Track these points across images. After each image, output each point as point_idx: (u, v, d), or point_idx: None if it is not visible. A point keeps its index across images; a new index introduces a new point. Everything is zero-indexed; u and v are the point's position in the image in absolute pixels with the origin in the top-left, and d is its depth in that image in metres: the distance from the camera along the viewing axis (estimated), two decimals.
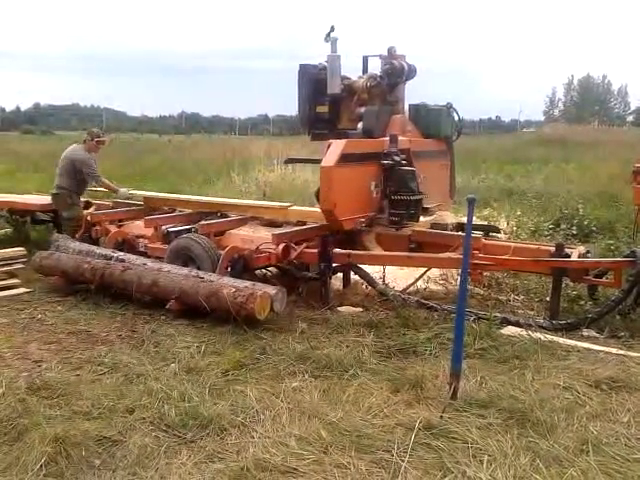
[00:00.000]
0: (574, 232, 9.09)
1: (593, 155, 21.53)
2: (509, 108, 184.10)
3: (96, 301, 6.20)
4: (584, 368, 4.43)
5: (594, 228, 9.27)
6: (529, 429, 3.56)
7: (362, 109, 6.73)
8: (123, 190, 8.04)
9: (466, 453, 3.30)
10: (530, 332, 5.13)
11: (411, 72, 6.77)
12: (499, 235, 6.90)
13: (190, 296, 5.57)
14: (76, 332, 5.40)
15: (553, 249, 5.78)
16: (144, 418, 3.73)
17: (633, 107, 75.94)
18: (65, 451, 3.30)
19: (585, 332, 5.34)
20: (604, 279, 5.85)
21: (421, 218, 6.56)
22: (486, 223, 8.66)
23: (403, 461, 3.23)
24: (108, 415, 3.76)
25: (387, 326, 5.36)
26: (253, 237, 6.50)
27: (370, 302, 6.16)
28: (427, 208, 6.59)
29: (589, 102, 72.65)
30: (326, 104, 6.77)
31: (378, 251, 6.40)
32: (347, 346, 4.91)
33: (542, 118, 73.01)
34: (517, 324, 5.37)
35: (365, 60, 6.94)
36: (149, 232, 7.30)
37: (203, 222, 6.93)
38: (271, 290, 5.46)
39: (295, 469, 3.17)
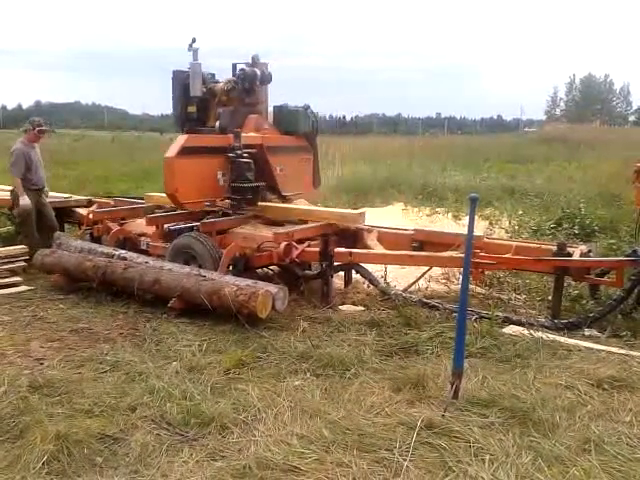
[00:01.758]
0: (576, 231, 9.08)
1: (595, 154, 21.52)
2: (511, 107, 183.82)
3: (98, 299, 6.21)
4: (586, 367, 4.42)
5: (596, 227, 9.25)
6: (531, 428, 3.56)
7: (221, 109, 7.54)
8: (25, 200, 7.48)
9: (468, 452, 3.30)
10: (532, 331, 5.14)
11: (265, 77, 7.67)
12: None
13: (192, 294, 5.57)
14: (78, 330, 5.40)
15: (555, 248, 5.79)
16: (146, 416, 3.73)
17: (635, 106, 75.88)
18: (67, 449, 3.30)
19: (587, 331, 5.34)
20: (606, 278, 5.85)
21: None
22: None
23: (405, 460, 3.23)
24: (110, 413, 3.76)
25: (389, 325, 5.37)
26: (255, 235, 6.50)
27: (372, 301, 6.15)
28: (285, 196, 7.53)
29: (591, 101, 72.54)
30: (194, 105, 7.60)
31: (379, 250, 6.41)
32: (349, 345, 4.92)
33: (544, 117, 72.92)
34: (519, 323, 5.37)
35: (234, 66, 7.74)
36: (151, 230, 7.31)
37: (205, 220, 6.93)
38: (273, 289, 5.46)
39: (297, 468, 3.17)
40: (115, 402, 3.89)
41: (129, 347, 4.95)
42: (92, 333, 5.33)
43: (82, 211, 8.11)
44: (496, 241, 6.62)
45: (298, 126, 7.68)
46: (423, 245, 6.52)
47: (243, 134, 7.18)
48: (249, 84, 7.51)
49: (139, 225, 7.58)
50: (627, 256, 5.56)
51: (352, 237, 6.75)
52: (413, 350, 4.83)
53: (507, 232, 9.66)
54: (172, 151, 6.65)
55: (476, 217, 3.96)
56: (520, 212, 10.96)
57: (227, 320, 5.43)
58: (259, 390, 4.08)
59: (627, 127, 52.65)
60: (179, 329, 5.34)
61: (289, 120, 7.70)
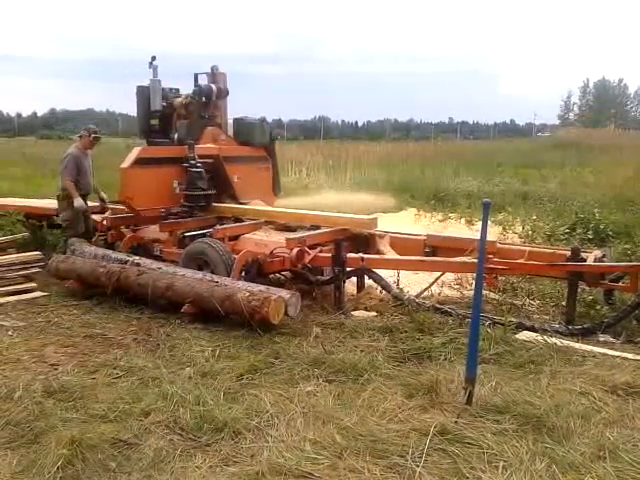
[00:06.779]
0: (590, 236, 9.03)
1: (609, 159, 21.38)
2: (524, 111, 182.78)
3: (111, 305, 6.25)
4: (600, 373, 4.39)
5: (610, 232, 9.20)
6: (545, 435, 3.54)
7: (179, 122, 8.06)
8: (78, 201, 7.67)
9: (481, 459, 3.28)
10: (546, 337, 5.10)
11: (221, 92, 8.22)
12: None
13: (205, 300, 5.59)
14: (92, 335, 5.44)
15: (569, 253, 5.75)
16: (159, 421, 3.75)
17: None
18: (81, 454, 3.32)
19: (601, 337, 5.30)
20: (620, 283, 5.80)
21: None
22: None
23: (418, 466, 3.22)
24: (124, 418, 3.78)
25: (401, 331, 5.35)
26: (267, 241, 6.52)
27: (384, 307, 6.14)
28: (243, 202, 8.05)
29: (605, 105, 72.03)
30: (156, 118, 8.13)
31: (392, 255, 6.40)
32: (361, 351, 4.91)
33: (557, 122, 72.41)
34: (532, 329, 5.34)
35: (196, 77, 8.25)
36: (164, 236, 7.35)
37: (218, 227, 6.97)
38: (285, 294, 5.47)
39: (310, 473, 3.17)
40: (129, 407, 3.91)
41: (143, 353, 4.98)
42: (106, 339, 5.37)
43: (96, 217, 8.17)
44: (509, 246, 6.59)
45: (254, 138, 8.33)
46: (436, 250, 6.51)
47: (201, 145, 7.74)
48: (206, 98, 8.07)
49: (152, 231, 7.63)
50: None
51: (364, 242, 6.75)
52: (426, 356, 4.82)
53: (520, 237, 9.62)
54: (127, 162, 7.21)
55: (489, 222, 3.94)
56: (533, 217, 10.91)
57: (240, 326, 5.44)
58: (272, 396, 4.09)
59: None
60: (192, 335, 5.36)
61: (246, 132, 8.35)
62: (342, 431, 3.59)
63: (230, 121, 8.52)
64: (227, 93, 8.33)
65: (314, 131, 49.31)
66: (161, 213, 7.55)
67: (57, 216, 8.57)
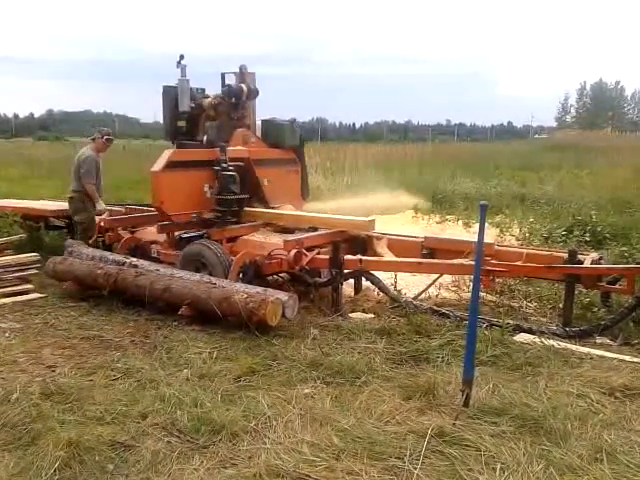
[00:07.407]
0: (587, 239, 9.03)
1: (606, 161, 21.42)
2: (521, 113, 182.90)
3: (109, 306, 6.24)
4: (598, 375, 4.40)
5: (607, 235, 9.19)
6: (542, 437, 3.54)
7: (208, 124, 7.68)
8: (101, 205, 7.84)
9: (479, 461, 3.28)
10: (543, 339, 5.11)
11: (251, 92, 7.81)
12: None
13: (202, 302, 5.58)
14: (89, 337, 5.43)
15: (566, 256, 5.76)
16: (157, 423, 3.74)
17: None
18: (79, 456, 3.32)
19: (598, 339, 5.31)
20: (617, 286, 5.81)
21: None
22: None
23: (415, 468, 3.22)
24: (121, 420, 3.78)
25: (399, 333, 5.35)
26: (265, 243, 6.52)
27: (382, 309, 6.15)
28: (273, 206, 7.71)
29: (602, 108, 72.17)
30: (183, 119, 7.78)
31: (390, 257, 6.41)
32: (359, 353, 4.91)
33: (554, 124, 72.47)
34: (530, 331, 5.34)
35: (222, 76, 7.93)
36: (162, 238, 7.35)
37: (215, 228, 6.97)
38: (283, 296, 5.47)
39: (307, 475, 3.17)
40: (126, 409, 3.91)
41: (140, 354, 4.97)
42: (103, 340, 5.36)
43: None
44: (507, 248, 6.60)
45: (284, 139, 8.00)
46: (433, 252, 6.51)
47: (230, 148, 7.37)
48: (236, 99, 7.70)
49: (150, 233, 7.62)
50: (638, 263, 5.53)
51: (362, 244, 6.75)
52: (423, 358, 4.82)
53: (518, 239, 9.63)
54: (158, 165, 6.89)
55: (486, 224, 3.95)
56: (531, 219, 10.91)
57: (237, 327, 5.44)
58: (269, 398, 4.08)
59: (639, 133, 52.25)
60: (190, 336, 5.35)
61: (276, 134, 8.02)
62: (339, 433, 3.59)
63: (258, 122, 8.23)
64: (257, 93, 7.98)
65: (312, 132, 49.30)
66: (192, 219, 7.24)
67: (57, 218, 8.59)
